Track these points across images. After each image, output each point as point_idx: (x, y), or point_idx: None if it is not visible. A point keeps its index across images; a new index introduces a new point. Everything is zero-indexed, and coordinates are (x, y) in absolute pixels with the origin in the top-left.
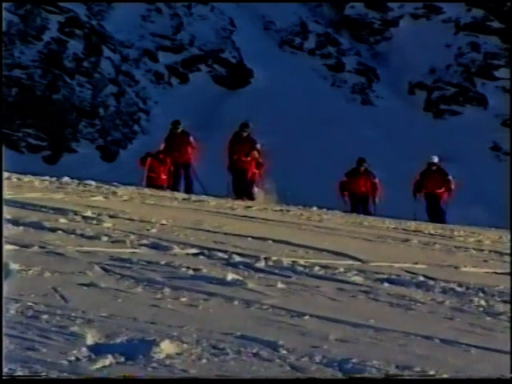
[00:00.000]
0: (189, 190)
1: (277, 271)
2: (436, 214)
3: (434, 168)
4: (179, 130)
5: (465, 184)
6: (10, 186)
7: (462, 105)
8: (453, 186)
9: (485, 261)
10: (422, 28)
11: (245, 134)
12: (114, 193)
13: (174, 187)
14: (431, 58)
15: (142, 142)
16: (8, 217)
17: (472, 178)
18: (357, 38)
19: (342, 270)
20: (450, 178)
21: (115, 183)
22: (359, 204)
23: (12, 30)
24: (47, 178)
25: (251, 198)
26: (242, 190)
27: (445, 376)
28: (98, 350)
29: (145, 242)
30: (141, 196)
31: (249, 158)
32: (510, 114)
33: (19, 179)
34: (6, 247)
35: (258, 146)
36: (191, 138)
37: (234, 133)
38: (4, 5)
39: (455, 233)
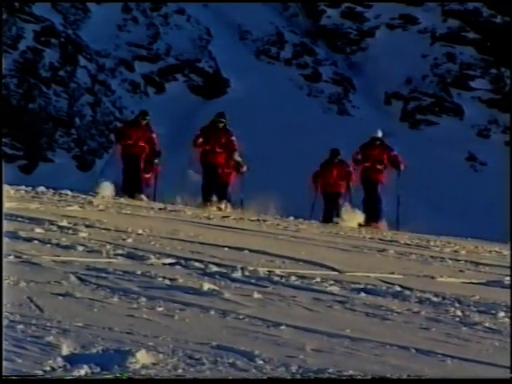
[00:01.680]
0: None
1: (253, 281)
2: (372, 202)
3: (378, 143)
4: (144, 122)
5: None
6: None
7: (438, 115)
8: (401, 163)
9: (461, 271)
10: (398, 38)
11: (221, 125)
12: (90, 202)
13: (124, 189)
14: (407, 68)
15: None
16: None
17: (448, 188)
18: (333, 48)
19: (318, 280)
20: (396, 152)
21: (91, 193)
22: (330, 198)
23: None
24: (23, 187)
25: (221, 204)
26: (211, 192)
27: (445, 376)
28: (73, 360)
29: (121, 251)
30: (117, 206)
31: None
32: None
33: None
34: None
35: (234, 138)
36: (154, 135)
37: (210, 121)
38: None
39: (431, 243)
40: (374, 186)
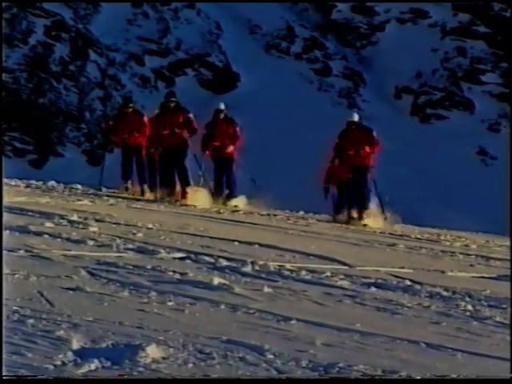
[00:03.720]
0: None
1: (263, 275)
2: (358, 192)
3: (353, 127)
4: (129, 110)
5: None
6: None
7: (448, 109)
8: (378, 145)
9: (471, 265)
10: (408, 32)
11: (172, 105)
12: (100, 197)
13: (124, 176)
14: (417, 62)
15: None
16: None
17: (458, 183)
18: (343, 43)
19: (328, 274)
20: (375, 134)
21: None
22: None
23: None
24: (33, 182)
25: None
26: (172, 177)
27: (445, 376)
28: (83, 355)
29: (131, 246)
30: (127, 200)
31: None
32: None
33: (6, 184)
34: None
35: (191, 115)
36: (145, 119)
37: (160, 106)
38: None
39: (442, 237)
40: (363, 172)
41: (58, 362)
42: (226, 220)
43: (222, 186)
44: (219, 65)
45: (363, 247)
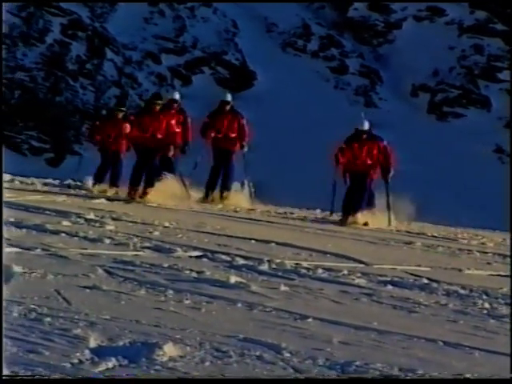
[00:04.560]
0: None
1: (280, 274)
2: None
3: (364, 136)
4: (120, 115)
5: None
6: (13, 189)
7: (465, 107)
8: (391, 156)
9: (488, 263)
10: (425, 30)
11: (158, 108)
12: (117, 195)
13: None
14: (434, 60)
15: None
16: (11, 219)
17: (475, 181)
18: (360, 41)
19: (345, 272)
20: (385, 143)
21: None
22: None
23: (14, 32)
24: (50, 180)
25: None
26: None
27: (445, 377)
28: (100, 353)
29: (148, 244)
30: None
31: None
32: (510, 116)
33: (22, 182)
34: (9, 250)
35: (189, 119)
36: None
37: (146, 106)
38: (7, 7)
39: (459, 235)
40: (363, 179)
41: (75, 361)
42: (243, 218)
43: (217, 180)
44: (236, 63)
45: (380, 245)
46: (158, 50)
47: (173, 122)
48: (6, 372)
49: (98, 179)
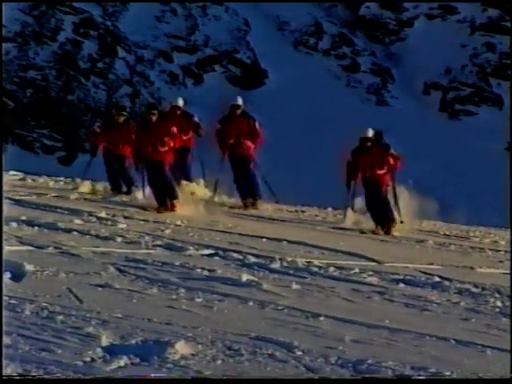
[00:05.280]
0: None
1: (292, 272)
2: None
3: (369, 144)
4: (121, 119)
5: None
6: (25, 187)
7: (477, 105)
8: (398, 164)
9: (500, 261)
10: (436, 28)
11: (154, 118)
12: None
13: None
14: (446, 58)
15: None
16: (23, 218)
17: (487, 179)
18: (372, 39)
19: (357, 270)
20: (392, 151)
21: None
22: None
23: (26, 30)
24: (62, 178)
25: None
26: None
27: (446, 377)
28: (112, 351)
29: (159, 242)
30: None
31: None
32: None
33: (34, 180)
34: (21, 248)
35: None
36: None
37: (143, 119)
38: (19, 6)
39: (471, 233)
40: (378, 190)
41: (88, 359)
42: (254, 216)
43: (244, 189)
44: (247, 61)
45: (391, 243)
46: (169, 49)
47: (174, 129)
48: (19, 371)
49: (115, 186)
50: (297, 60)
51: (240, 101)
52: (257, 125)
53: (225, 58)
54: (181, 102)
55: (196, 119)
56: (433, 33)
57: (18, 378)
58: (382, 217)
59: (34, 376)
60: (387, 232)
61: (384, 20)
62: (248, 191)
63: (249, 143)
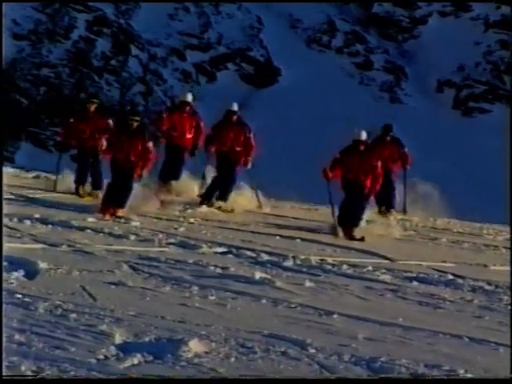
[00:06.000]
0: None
1: (305, 270)
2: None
3: (362, 148)
4: (93, 107)
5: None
6: (39, 185)
7: (490, 103)
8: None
9: None
10: (450, 26)
11: (135, 124)
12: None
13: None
14: (460, 55)
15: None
16: (36, 216)
17: (501, 177)
18: (385, 36)
19: (370, 268)
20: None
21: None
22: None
23: (40, 28)
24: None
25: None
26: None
27: (445, 377)
28: (126, 349)
29: (173, 240)
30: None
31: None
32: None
33: (47, 178)
34: (35, 246)
35: (202, 124)
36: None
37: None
38: (32, 3)
39: (484, 231)
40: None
41: (101, 357)
42: (267, 214)
43: (214, 189)
44: (260, 59)
45: (405, 241)
46: (182, 47)
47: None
48: (33, 368)
49: (80, 180)
50: (310, 58)
51: (236, 107)
52: (251, 135)
53: (238, 55)
54: (190, 98)
55: (202, 124)
56: (446, 30)
57: (18, 378)
58: (349, 219)
59: (33, 376)
60: (346, 234)
61: (397, 17)
62: (219, 193)
63: (242, 153)
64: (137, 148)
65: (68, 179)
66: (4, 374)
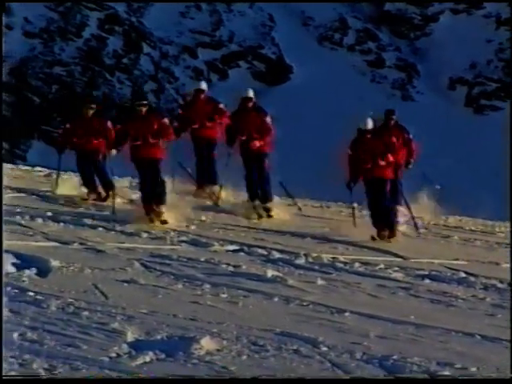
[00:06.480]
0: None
1: (317, 268)
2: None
3: (369, 136)
4: (90, 112)
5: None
6: (51, 183)
7: (502, 100)
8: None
9: None
10: (462, 23)
11: (144, 110)
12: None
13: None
14: (472, 53)
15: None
16: (49, 214)
17: None
18: (397, 34)
19: (382, 266)
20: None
21: None
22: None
23: (52, 26)
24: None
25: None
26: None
27: (446, 377)
28: (138, 347)
29: (184, 238)
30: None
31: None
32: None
33: (58, 176)
34: (47, 244)
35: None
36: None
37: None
38: (46, 4)
39: (496, 229)
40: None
41: (113, 354)
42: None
43: (255, 188)
44: (272, 57)
45: (417, 239)
46: (194, 45)
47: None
48: (45, 366)
49: (87, 185)
50: (321, 55)
51: (251, 93)
52: (268, 119)
53: (249, 53)
54: (204, 85)
55: (222, 105)
56: (458, 28)
57: (18, 377)
58: (384, 219)
59: (33, 376)
60: (390, 237)
61: (409, 15)
62: (261, 193)
63: (260, 139)
64: (152, 128)
65: (72, 180)
66: (15, 372)
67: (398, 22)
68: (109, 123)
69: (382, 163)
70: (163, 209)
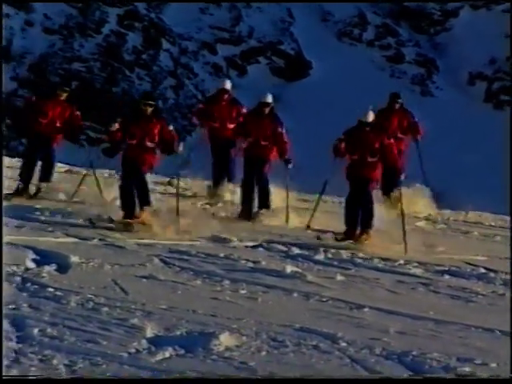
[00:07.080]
0: None
1: (336, 263)
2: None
3: (367, 129)
4: (64, 95)
5: None
6: (71, 179)
7: None
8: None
9: None
10: (481, 19)
11: (149, 111)
12: (172, 185)
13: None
14: (491, 48)
15: (200, 134)
16: (69, 209)
17: None
18: (416, 29)
19: (401, 262)
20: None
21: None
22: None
23: (71, 23)
24: (107, 170)
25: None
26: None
27: (445, 376)
28: (157, 343)
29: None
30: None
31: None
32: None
33: (78, 172)
34: (67, 240)
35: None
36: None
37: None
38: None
39: None
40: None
41: (133, 350)
42: (298, 208)
43: (251, 195)
44: (291, 53)
45: (436, 235)
46: (213, 40)
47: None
48: (65, 362)
49: (24, 179)
50: (341, 51)
51: (270, 98)
52: (281, 129)
53: (269, 49)
54: (228, 85)
55: (245, 110)
56: (478, 23)
57: (18, 377)
58: (361, 221)
59: (33, 376)
60: (360, 236)
61: (429, 10)
62: (258, 198)
63: (269, 146)
64: (152, 131)
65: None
66: (35, 368)
67: (418, 17)
68: (78, 113)
69: (370, 160)
70: (147, 210)
